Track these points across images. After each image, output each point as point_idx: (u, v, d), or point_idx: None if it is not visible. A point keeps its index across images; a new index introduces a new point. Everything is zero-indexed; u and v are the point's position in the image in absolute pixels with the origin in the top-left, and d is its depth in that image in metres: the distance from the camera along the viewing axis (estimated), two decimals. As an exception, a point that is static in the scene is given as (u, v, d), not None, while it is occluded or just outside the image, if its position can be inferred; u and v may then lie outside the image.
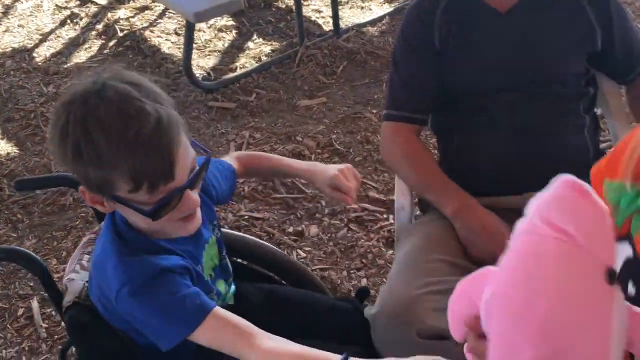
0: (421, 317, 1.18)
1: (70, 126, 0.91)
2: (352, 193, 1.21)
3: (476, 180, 1.44)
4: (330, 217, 2.33)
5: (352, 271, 2.11)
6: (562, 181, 0.64)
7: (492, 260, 1.31)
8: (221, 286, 1.19)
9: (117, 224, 1.05)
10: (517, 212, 1.40)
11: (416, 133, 1.49)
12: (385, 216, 2.31)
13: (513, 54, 1.41)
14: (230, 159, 1.28)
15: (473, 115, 1.45)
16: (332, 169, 1.23)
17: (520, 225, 0.67)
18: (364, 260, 2.14)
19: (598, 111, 1.56)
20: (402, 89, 1.48)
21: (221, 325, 0.99)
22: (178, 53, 3.40)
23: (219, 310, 1.00)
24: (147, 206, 0.96)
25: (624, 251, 0.77)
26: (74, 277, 1.15)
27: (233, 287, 1.26)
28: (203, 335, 0.99)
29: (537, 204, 0.65)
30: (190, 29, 2.85)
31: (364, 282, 2.06)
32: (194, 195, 1.00)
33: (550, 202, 0.64)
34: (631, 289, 0.76)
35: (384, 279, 2.06)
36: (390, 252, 2.15)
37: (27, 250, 1.09)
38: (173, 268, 1.01)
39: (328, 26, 3.46)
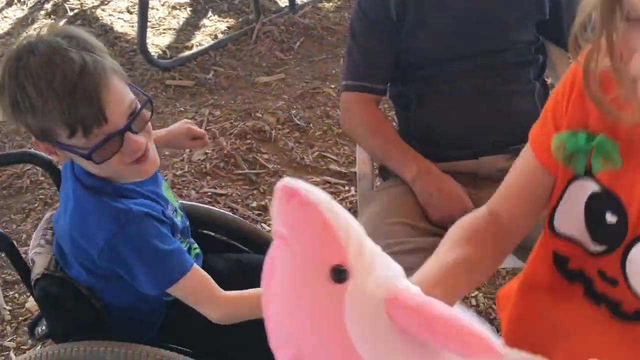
0: (385, 277, 1.22)
1: (6, 81, 0.97)
2: (205, 136, 1.38)
3: (434, 146, 1.49)
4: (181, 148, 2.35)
5: (315, 242, 2.15)
6: (277, 186, 0.62)
7: (451, 221, 1.37)
8: (186, 226, 1.24)
9: (81, 179, 1.07)
10: (473, 176, 1.48)
11: (375, 103, 1.53)
12: (346, 188, 2.35)
13: (466, 24, 1.45)
14: None
15: (429, 83, 1.49)
16: (181, 126, 1.35)
17: None
18: (327, 231, 2.18)
19: (549, 80, 1.63)
20: (361, 59, 1.51)
21: (197, 281, 1.09)
22: (132, 31, 3.35)
23: (197, 267, 1.10)
24: (86, 150, 0.99)
25: (590, 187, 0.80)
26: (40, 251, 1.15)
27: (191, 238, 1.29)
28: (181, 288, 1.08)
29: None
30: (143, 7, 2.81)
31: (327, 252, 2.11)
32: (138, 137, 1.02)
33: (275, 210, 0.62)
34: (611, 218, 0.78)
35: (347, 249, 2.10)
36: (353, 222, 2.20)
37: (-7, 226, 1.09)
38: (155, 215, 1.06)
39: (284, 2, 3.46)
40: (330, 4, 3.48)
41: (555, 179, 0.86)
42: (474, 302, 1.90)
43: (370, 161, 1.54)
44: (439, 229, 1.37)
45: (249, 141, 2.57)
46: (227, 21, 3.40)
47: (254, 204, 2.31)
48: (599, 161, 0.77)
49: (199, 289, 1.10)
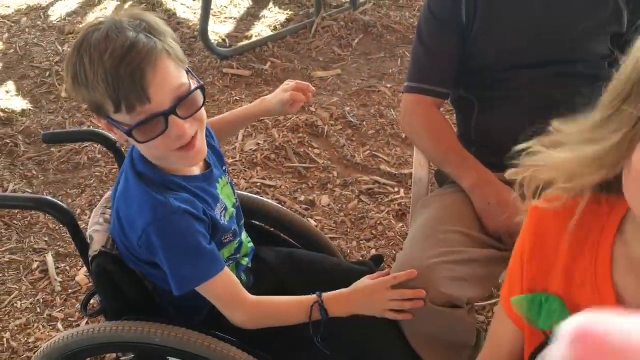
0: (436, 285, 1.20)
1: (70, 54, 1.01)
2: (303, 85, 1.31)
3: (494, 154, 1.45)
4: (342, 188, 2.35)
5: (361, 242, 2.14)
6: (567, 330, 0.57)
7: (507, 233, 1.34)
8: (236, 227, 1.23)
9: (135, 162, 1.09)
10: (534, 188, 1.43)
11: (437, 106, 1.50)
12: (396, 189, 2.33)
13: (538, 31, 1.41)
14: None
15: (494, 90, 1.46)
16: (279, 92, 1.31)
17: None
18: (373, 232, 2.17)
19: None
20: (426, 61, 1.49)
21: (227, 283, 1.10)
22: (193, 18, 3.39)
23: (227, 270, 1.11)
24: (128, 128, 1.00)
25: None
26: (99, 229, 1.18)
27: (244, 231, 1.30)
28: (211, 289, 1.09)
29: None
30: (208, -6, 2.84)
31: (373, 252, 2.09)
32: (182, 122, 1.02)
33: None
34: None
35: (394, 251, 2.09)
36: (400, 225, 2.18)
37: (57, 200, 1.11)
38: (195, 213, 1.06)
39: (346, -2, 3.45)
40: (392, 2, 3.45)
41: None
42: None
43: (427, 165, 1.52)
44: (494, 240, 1.34)
45: (301, 135, 2.57)
46: (287, 14, 3.41)
47: (302, 198, 2.31)
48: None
49: (226, 293, 1.11)
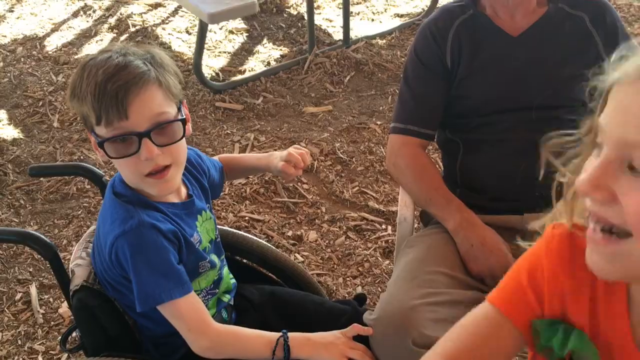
0: (418, 326, 1.20)
1: (77, 70, 1.07)
2: (306, 156, 1.31)
3: (478, 197, 1.47)
4: (329, 224, 2.36)
5: (347, 278, 2.14)
6: None
7: (490, 275, 1.35)
8: (215, 258, 1.24)
9: (115, 185, 1.13)
10: (516, 231, 1.45)
11: (422, 147, 1.53)
12: (383, 227, 2.34)
13: (521, 77, 1.44)
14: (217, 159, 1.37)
15: (479, 133, 1.49)
16: (283, 152, 1.32)
17: None
18: (360, 269, 2.17)
19: (600, 138, 1.60)
20: (411, 103, 1.52)
21: (192, 307, 1.09)
22: (188, 52, 3.43)
23: (194, 294, 1.11)
24: (103, 139, 1.05)
25: None
26: (81, 263, 1.18)
27: (226, 267, 1.30)
28: (174, 311, 1.08)
29: None
30: (203, 30, 2.89)
31: (359, 289, 2.09)
32: (154, 147, 1.05)
33: None
34: None
35: (380, 288, 2.09)
36: (387, 262, 2.18)
37: (39, 234, 1.12)
38: (164, 230, 1.07)
39: (338, 36, 3.51)
40: (384, 41, 3.51)
41: (521, 334, 0.81)
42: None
43: (412, 205, 1.54)
44: (478, 282, 1.35)
45: (291, 170, 2.58)
46: (280, 49, 3.46)
47: (290, 233, 2.32)
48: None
49: (191, 317, 1.09)
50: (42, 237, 1.11)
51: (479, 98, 1.47)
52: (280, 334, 1.13)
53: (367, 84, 3.19)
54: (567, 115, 1.45)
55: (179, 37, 3.61)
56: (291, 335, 1.14)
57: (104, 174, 1.27)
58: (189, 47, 3.49)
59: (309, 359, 1.14)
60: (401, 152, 1.52)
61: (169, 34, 3.61)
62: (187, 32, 3.64)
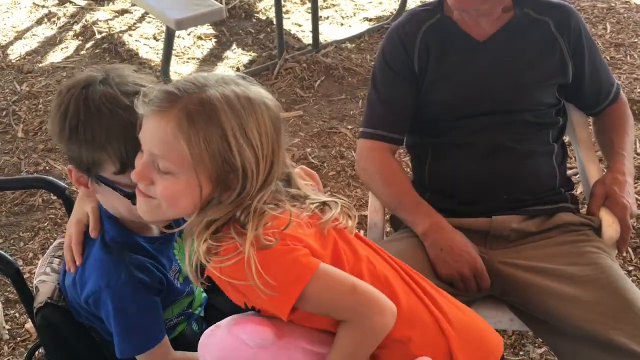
0: (390, 332, 1.20)
1: (71, 107, 0.99)
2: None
3: (447, 201, 1.48)
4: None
5: (321, 284, 2.13)
6: None
7: (460, 279, 1.36)
8: (192, 286, 1.21)
9: (101, 219, 1.08)
10: (485, 234, 1.46)
11: (391, 152, 1.53)
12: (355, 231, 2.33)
13: (488, 82, 1.46)
14: None
15: (447, 137, 1.49)
16: None
17: None
18: (333, 274, 2.16)
19: (566, 139, 1.62)
20: (380, 108, 1.52)
21: (160, 352, 1.09)
22: (156, 58, 3.39)
23: (165, 341, 1.10)
24: (129, 189, 1.01)
25: None
26: (45, 279, 1.15)
27: (203, 294, 1.28)
28: (147, 356, 1.08)
29: None
30: (170, 36, 2.86)
31: (332, 295, 2.08)
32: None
33: None
34: None
35: (352, 294, 2.08)
36: (360, 267, 2.18)
37: (2, 252, 1.08)
38: (149, 283, 1.06)
39: (307, 40, 3.50)
40: (353, 45, 3.52)
41: None
42: None
43: (382, 210, 1.54)
44: (447, 285, 1.35)
45: (262, 176, 2.57)
46: (250, 55, 3.44)
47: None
48: None
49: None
50: (3, 253, 1.08)
51: (447, 102, 1.48)
52: None
53: (337, 89, 3.19)
54: (534, 118, 1.48)
55: (146, 44, 3.56)
56: None
57: (67, 186, 1.24)
58: (157, 53, 3.45)
59: None
60: (370, 156, 1.52)
61: (136, 40, 3.56)
62: (155, 38, 3.60)
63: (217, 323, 0.96)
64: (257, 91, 0.96)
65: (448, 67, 1.46)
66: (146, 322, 1.06)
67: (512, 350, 1.91)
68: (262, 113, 0.94)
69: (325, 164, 2.66)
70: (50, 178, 1.21)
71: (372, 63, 3.35)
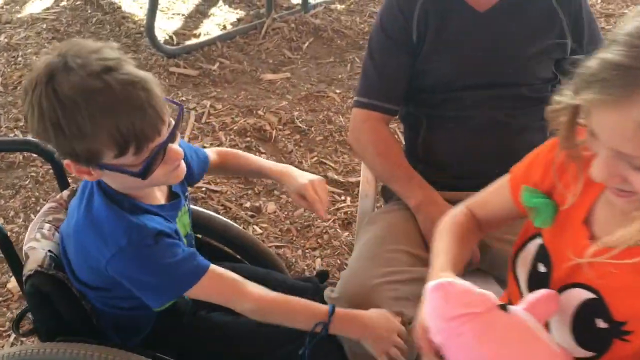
0: (379, 304, 1.21)
1: (44, 105, 0.92)
2: (318, 205, 1.24)
3: (440, 173, 1.47)
4: (288, 194, 2.33)
5: (307, 250, 2.13)
6: (430, 291, 0.88)
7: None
8: None
9: (105, 189, 1.05)
10: (477, 209, 1.45)
11: (386, 122, 1.51)
12: (342, 198, 2.33)
13: (486, 54, 1.43)
14: (211, 151, 1.30)
15: (442, 109, 1.48)
16: (304, 177, 1.26)
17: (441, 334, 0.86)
18: (319, 241, 2.17)
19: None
20: (376, 77, 1.49)
21: (215, 282, 1.08)
22: (139, 12, 3.30)
23: (214, 268, 1.09)
24: (135, 167, 0.98)
25: (537, 242, 0.98)
26: (35, 246, 1.12)
27: None
28: (200, 291, 1.07)
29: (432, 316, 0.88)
30: (156, -10, 2.77)
31: (318, 262, 2.09)
32: (176, 146, 1.02)
33: (437, 307, 0.87)
34: (543, 268, 0.95)
35: (339, 260, 2.09)
36: (346, 234, 2.19)
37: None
38: (169, 232, 1.05)
39: (296, 0, 3.42)
40: (343, 6, 3.45)
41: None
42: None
43: (374, 181, 1.53)
44: (438, 259, 1.35)
45: (248, 139, 2.54)
46: (237, 13, 3.36)
47: (248, 204, 2.29)
48: (536, 218, 0.95)
49: (221, 288, 1.09)
50: (-9, 219, 1.05)
51: (444, 73, 1.46)
52: (326, 311, 1.11)
53: (325, 51, 3.14)
54: (529, 93, 1.46)
55: (129, -3, 3.45)
56: (339, 312, 1.12)
57: (55, 150, 1.20)
58: (140, 7, 3.35)
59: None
60: (364, 127, 1.50)
61: (118, -7, 3.45)
62: (138, -9, 3.49)
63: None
64: None
65: (446, 36, 1.43)
66: (179, 262, 1.04)
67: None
68: None
69: (312, 129, 2.63)
70: (38, 141, 1.17)
71: (362, 26, 3.31)
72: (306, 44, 3.14)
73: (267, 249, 1.49)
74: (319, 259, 2.10)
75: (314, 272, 1.74)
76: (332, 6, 3.42)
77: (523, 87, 1.45)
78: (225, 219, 1.48)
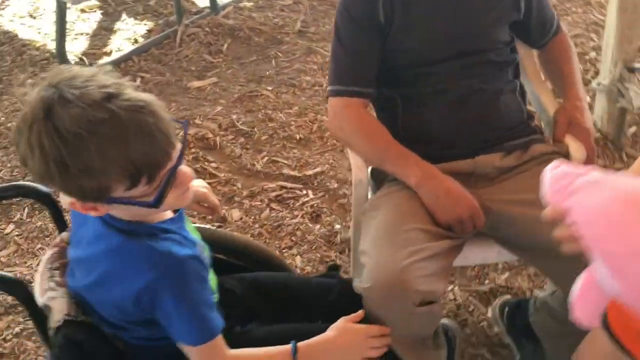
0: (414, 285, 1.21)
1: (45, 144, 0.84)
2: (217, 208, 1.27)
3: (426, 148, 1.49)
4: (249, 199, 2.29)
5: (284, 250, 2.10)
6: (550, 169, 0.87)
7: (459, 222, 1.39)
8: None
9: (110, 223, 0.97)
10: (470, 175, 1.50)
11: (365, 107, 1.51)
12: (304, 192, 2.32)
13: (452, 26, 1.47)
14: None
15: (417, 86, 1.50)
16: (198, 189, 1.25)
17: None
18: (293, 238, 2.14)
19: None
20: (348, 62, 1.49)
21: (219, 345, 1.03)
22: (39, 38, 3.09)
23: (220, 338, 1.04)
24: (147, 197, 0.92)
25: None
26: (54, 295, 1.03)
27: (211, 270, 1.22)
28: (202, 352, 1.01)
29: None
30: (62, 12, 2.61)
31: (297, 259, 2.07)
32: (185, 168, 0.97)
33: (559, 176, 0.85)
34: None
35: (318, 254, 2.08)
36: (318, 226, 2.17)
37: (7, 273, 0.95)
38: (197, 256, 1.00)
39: (204, 2, 3.34)
40: (251, 3, 3.41)
41: None
42: (451, 295, 1.94)
43: (364, 167, 1.53)
44: (448, 231, 1.38)
45: (193, 150, 2.46)
46: (145, 24, 3.22)
47: (210, 216, 2.21)
48: None
49: (215, 353, 1.04)
50: (10, 275, 0.94)
51: (414, 50, 1.48)
52: (289, 348, 1.07)
53: (246, 50, 3.09)
54: (496, 57, 1.52)
55: (22, 23, 3.22)
56: (301, 346, 1.08)
57: (50, 190, 1.10)
58: (38, 32, 3.14)
59: None
60: (345, 114, 1.49)
61: (10, 20, 3.21)
62: (31, 16, 3.26)
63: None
64: None
65: (414, 15, 1.45)
66: (211, 304, 1.00)
67: (477, 280, 2.02)
68: None
69: (255, 129, 2.59)
70: (30, 183, 1.07)
71: (276, 20, 3.28)
72: (225, 46, 3.08)
73: (275, 254, 1.45)
74: (298, 257, 2.08)
75: (314, 271, 1.72)
76: (241, 4, 3.37)
77: (490, 52, 1.51)
78: (229, 232, 1.43)
